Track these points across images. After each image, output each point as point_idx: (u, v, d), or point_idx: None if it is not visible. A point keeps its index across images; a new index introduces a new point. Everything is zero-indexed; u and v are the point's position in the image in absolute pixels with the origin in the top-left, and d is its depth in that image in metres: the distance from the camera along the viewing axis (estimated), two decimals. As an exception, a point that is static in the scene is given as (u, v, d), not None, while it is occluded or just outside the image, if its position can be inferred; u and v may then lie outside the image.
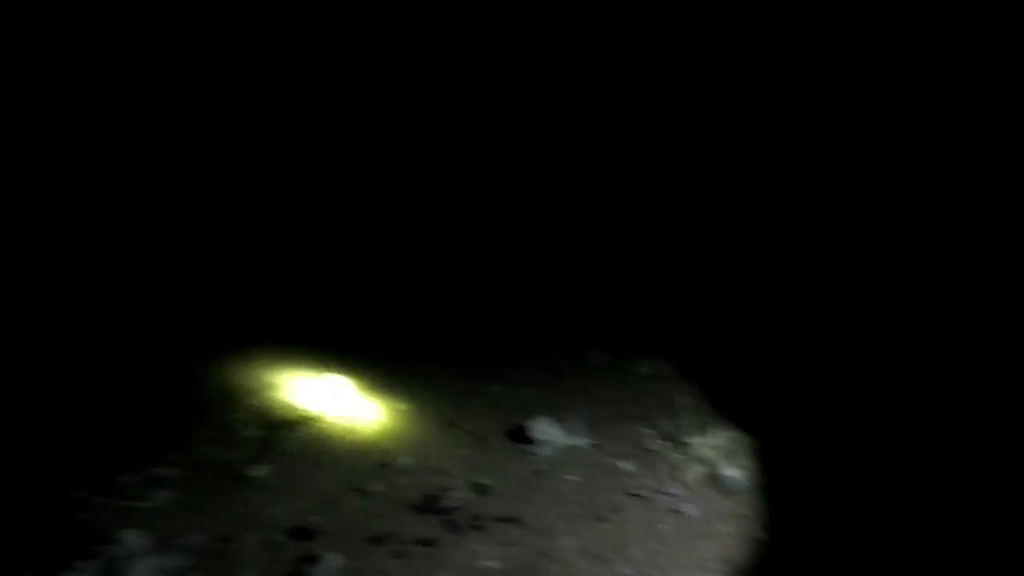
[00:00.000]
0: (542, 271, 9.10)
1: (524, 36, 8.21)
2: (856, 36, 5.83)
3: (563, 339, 7.11)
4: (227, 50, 7.99)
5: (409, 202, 9.21)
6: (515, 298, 8.56)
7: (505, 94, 8.66)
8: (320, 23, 8.20)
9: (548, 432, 4.41)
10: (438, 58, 8.54)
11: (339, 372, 6.18)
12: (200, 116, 7.99)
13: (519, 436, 4.50)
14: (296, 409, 5.32)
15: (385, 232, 9.32)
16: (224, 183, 8.36)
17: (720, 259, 7.62)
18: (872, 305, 5.22)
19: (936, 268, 4.68)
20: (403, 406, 5.42)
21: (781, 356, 5.72)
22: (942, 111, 4.89)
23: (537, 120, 8.70)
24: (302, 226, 8.89)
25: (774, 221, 7.12)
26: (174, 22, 7.62)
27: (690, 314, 7.24)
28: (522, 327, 7.69)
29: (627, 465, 4.08)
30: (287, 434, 4.82)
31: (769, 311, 6.49)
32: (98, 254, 7.04)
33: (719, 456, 3.95)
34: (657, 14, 7.66)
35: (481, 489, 3.92)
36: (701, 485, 3.87)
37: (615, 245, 8.76)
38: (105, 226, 7.28)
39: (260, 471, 4.23)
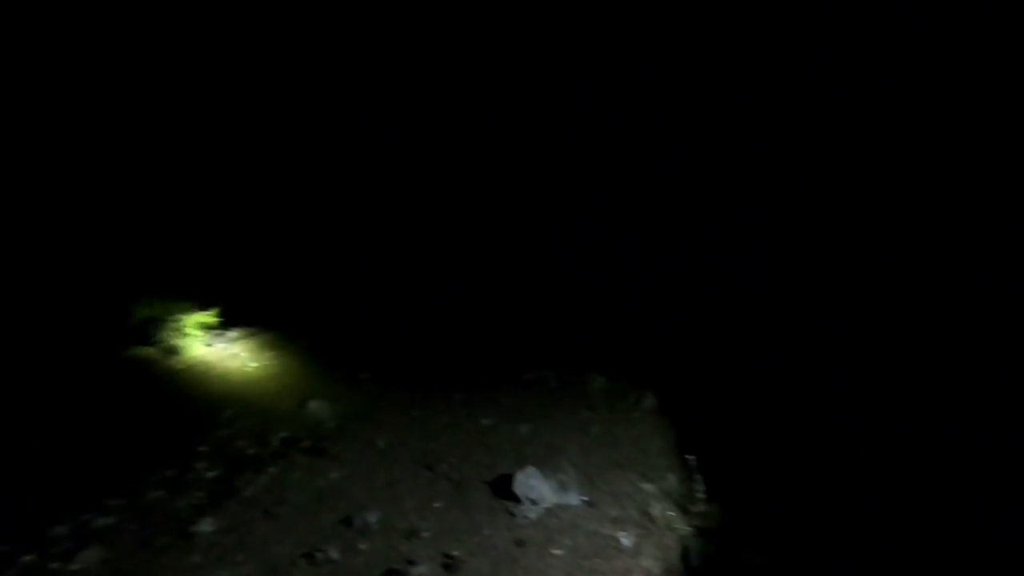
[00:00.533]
0: (541, 273, 8.40)
1: (524, 37, 7.77)
2: (856, 36, 5.55)
3: (564, 358, 6.33)
4: (235, 55, 7.63)
5: (409, 202, 8.80)
6: (515, 304, 7.87)
7: (505, 95, 8.24)
8: (322, 25, 7.79)
9: (536, 488, 3.64)
10: (438, 59, 8.12)
11: (324, 395, 5.53)
12: (213, 122, 7.66)
13: (503, 490, 3.75)
14: (267, 442, 4.67)
15: (386, 232, 8.88)
16: (228, 185, 8.00)
17: (720, 262, 7.19)
18: (872, 305, 4.97)
19: (936, 268, 4.46)
20: (382, 442, 4.72)
21: (781, 358, 5.27)
22: (942, 111, 4.70)
23: (537, 121, 8.30)
24: (304, 226, 8.46)
25: (774, 221, 6.73)
26: (186, 26, 7.25)
27: (691, 324, 6.66)
28: (522, 341, 6.96)
29: (625, 537, 3.29)
30: (251, 475, 4.16)
31: (769, 313, 6.05)
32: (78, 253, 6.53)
33: (734, 531, 3.13)
34: (657, 15, 7.26)
35: (450, 564, 3.18)
36: (714, 569, 3.06)
37: (615, 245, 8.21)
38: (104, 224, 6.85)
39: (207, 525, 3.57)
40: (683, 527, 3.30)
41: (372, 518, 3.62)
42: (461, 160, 8.48)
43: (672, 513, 3.36)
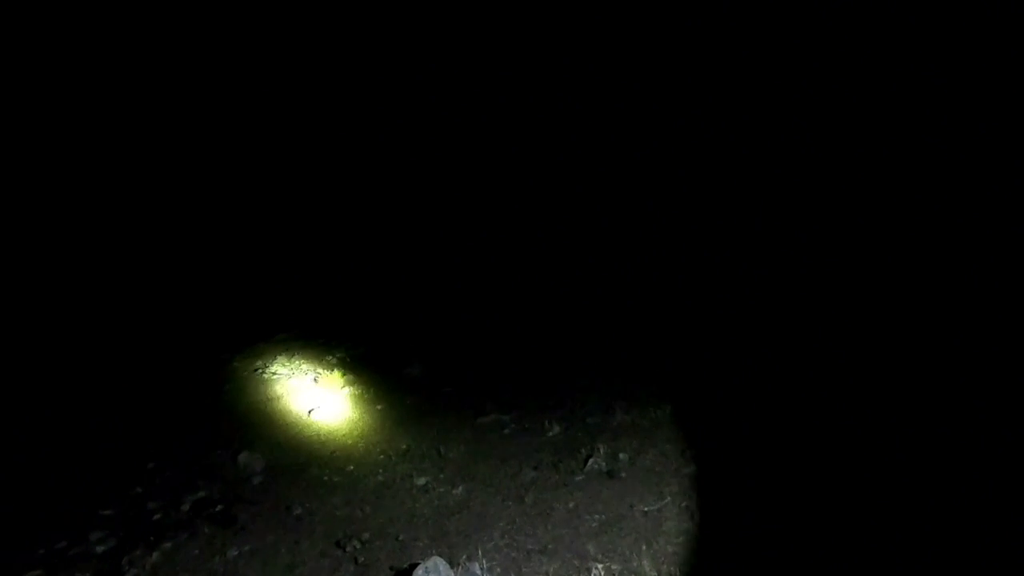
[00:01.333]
0: (521, 291, 7.92)
1: (525, 39, 7.50)
2: (856, 36, 5.44)
3: (522, 399, 5.69)
4: (260, 68, 7.59)
5: (404, 211, 8.58)
6: (482, 338, 7.35)
7: (505, 100, 7.89)
8: (347, 38, 7.71)
9: (435, 586, 3.04)
10: (443, 74, 7.90)
11: (255, 448, 5.06)
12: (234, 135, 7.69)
13: (401, 584, 3.16)
14: (174, 510, 4.20)
15: (374, 248, 8.62)
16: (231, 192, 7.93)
17: (720, 268, 6.67)
18: (873, 306, 4.86)
19: (938, 268, 4.41)
20: (300, 508, 4.19)
21: (780, 371, 4.86)
22: (944, 112, 4.63)
23: (536, 123, 7.87)
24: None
25: (774, 223, 6.41)
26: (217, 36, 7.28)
27: (680, 354, 6.00)
28: (484, 380, 6.36)
29: (521, 663, 2.66)
30: (141, 552, 3.69)
31: (769, 319, 5.66)
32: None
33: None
34: (656, 16, 6.82)
35: None
36: None
37: (609, 252, 7.72)
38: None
39: (70, 621, 3.10)
40: (591, 652, 2.65)
41: (250, 616, 3.09)
42: (459, 169, 8.38)
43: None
